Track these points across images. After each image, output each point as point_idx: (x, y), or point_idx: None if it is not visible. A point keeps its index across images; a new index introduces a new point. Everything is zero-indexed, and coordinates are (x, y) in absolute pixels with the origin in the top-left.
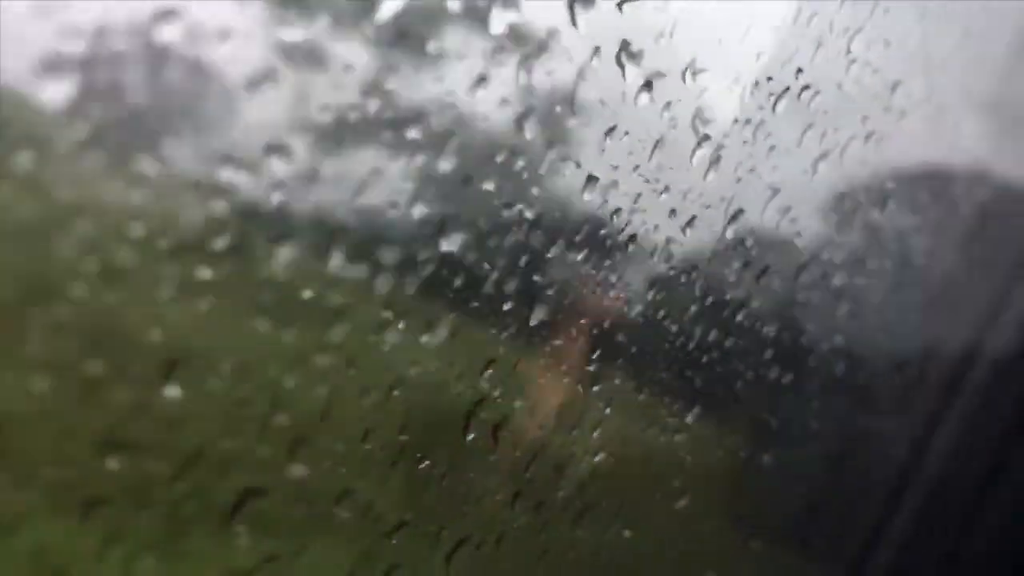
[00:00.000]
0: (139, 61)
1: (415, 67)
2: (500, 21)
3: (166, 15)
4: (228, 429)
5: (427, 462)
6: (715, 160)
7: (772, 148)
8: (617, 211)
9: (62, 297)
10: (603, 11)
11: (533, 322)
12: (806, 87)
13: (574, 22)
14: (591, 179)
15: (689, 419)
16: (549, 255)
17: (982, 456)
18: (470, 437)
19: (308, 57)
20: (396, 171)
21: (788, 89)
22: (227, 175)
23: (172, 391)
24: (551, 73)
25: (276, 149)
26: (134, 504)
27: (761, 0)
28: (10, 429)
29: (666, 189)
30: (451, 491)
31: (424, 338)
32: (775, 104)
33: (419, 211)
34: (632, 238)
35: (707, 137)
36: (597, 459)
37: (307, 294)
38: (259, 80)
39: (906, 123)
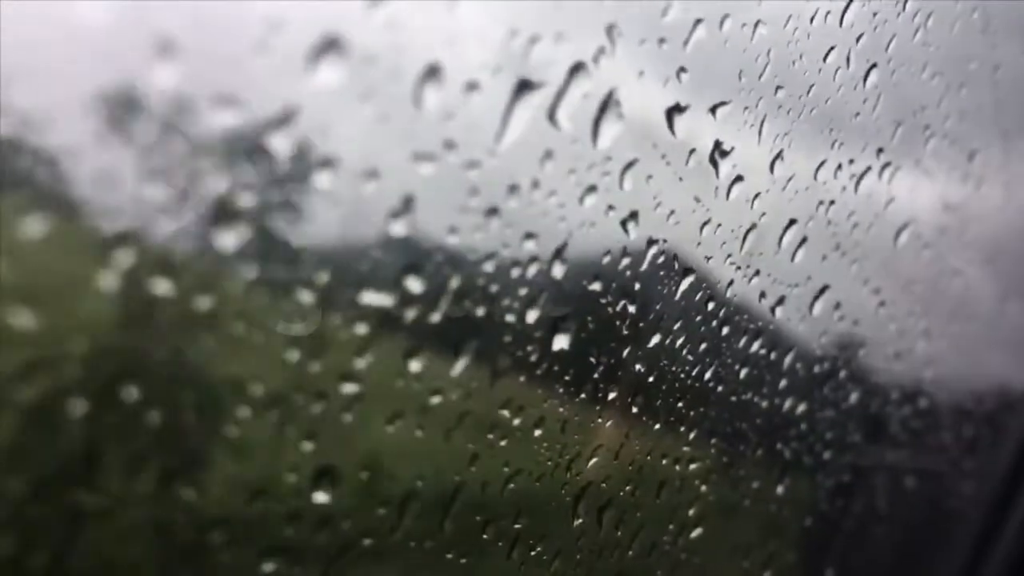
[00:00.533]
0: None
1: (532, 185)
2: (606, 136)
3: (324, 163)
4: (367, 529)
5: (539, 548)
6: (801, 242)
7: (855, 226)
8: (711, 299)
9: (232, 420)
10: (697, 116)
11: (635, 409)
12: (886, 165)
13: (672, 130)
14: (688, 271)
15: (779, 489)
16: (650, 345)
17: None
18: (578, 522)
19: (437, 184)
20: (514, 280)
21: (870, 168)
22: (368, 298)
23: (321, 496)
24: (651, 177)
25: (411, 270)
26: None
27: (840, 89)
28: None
29: (756, 274)
30: (561, 574)
31: (537, 432)
32: (857, 185)
33: (532, 315)
34: (725, 322)
35: (794, 221)
36: (693, 535)
37: (435, 400)
38: (399, 211)
39: (984, 189)
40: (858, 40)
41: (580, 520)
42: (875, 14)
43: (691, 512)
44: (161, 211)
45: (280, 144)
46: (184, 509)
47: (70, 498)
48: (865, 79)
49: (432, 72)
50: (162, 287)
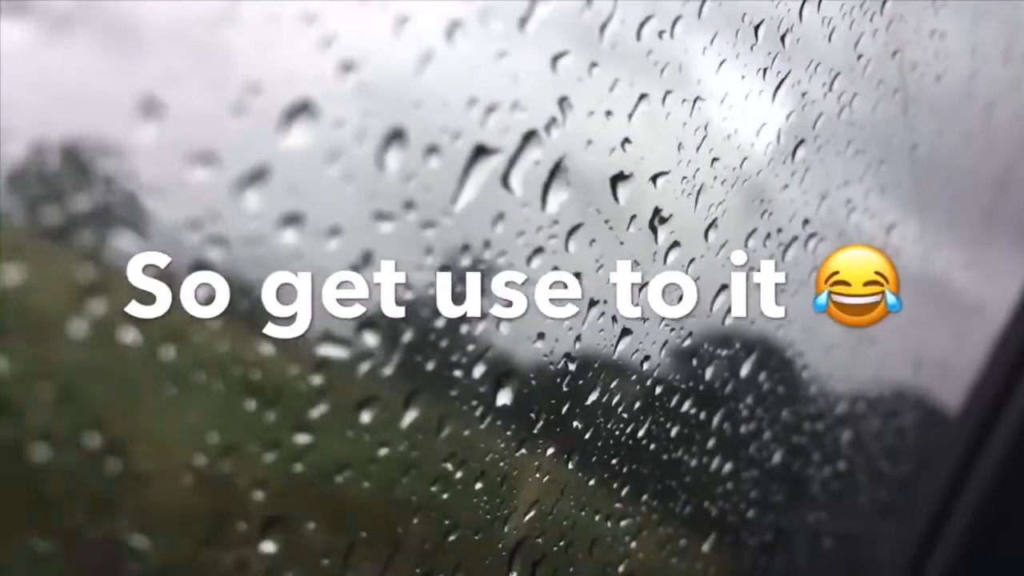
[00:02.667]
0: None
1: (483, 245)
2: (553, 202)
3: (290, 219)
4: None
5: None
6: (731, 307)
7: (782, 292)
8: (647, 358)
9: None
10: (639, 185)
11: (571, 465)
12: (812, 235)
13: (616, 197)
14: (625, 332)
15: (705, 547)
16: (587, 402)
17: None
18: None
19: (394, 242)
20: (463, 336)
21: (796, 238)
22: (325, 350)
23: (267, 547)
24: (594, 241)
25: (368, 324)
26: None
27: (772, 163)
28: None
29: (689, 335)
30: None
31: (478, 486)
32: (784, 253)
33: (479, 371)
34: (659, 382)
35: (725, 287)
36: None
37: (382, 452)
38: (359, 267)
39: (901, 260)
40: (788, 117)
41: (515, 574)
42: (804, 94)
43: (621, 569)
44: (132, 258)
45: (251, 201)
46: (135, 558)
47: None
48: (794, 154)
49: (396, 135)
50: (130, 336)
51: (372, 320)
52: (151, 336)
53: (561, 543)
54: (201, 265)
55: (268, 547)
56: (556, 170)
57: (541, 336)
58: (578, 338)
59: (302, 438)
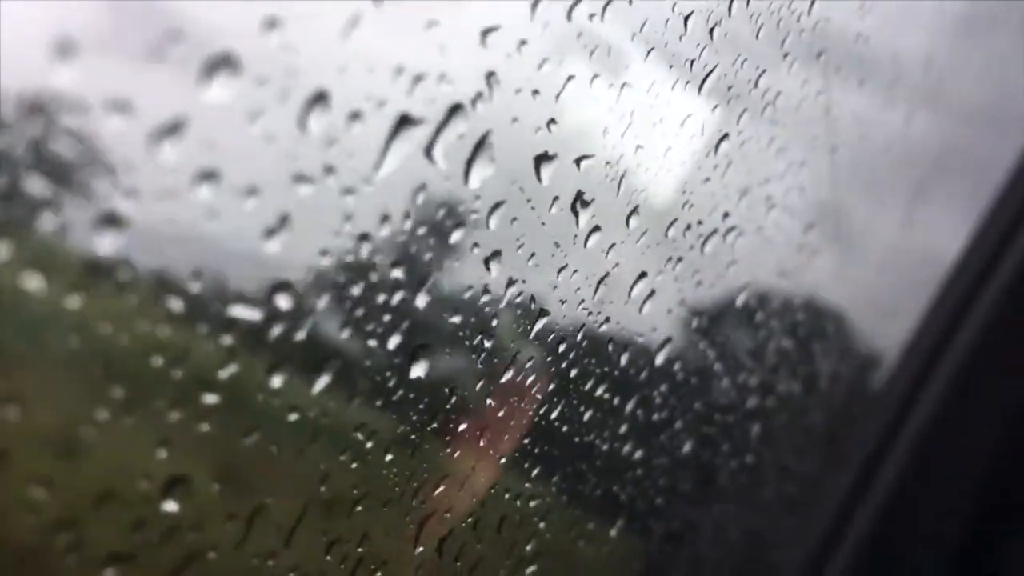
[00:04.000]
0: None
1: (403, 216)
2: (476, 176)
3: (206, 176)
4: (212, 542)
5: (379, 574)
6: (649, 295)
7: (699, 284)
8: (562, 340)
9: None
10: (563, 166)
11: (483, 442)
12: (731, 229)
13: (539, 176)
14: (543, 312)
15: (613, 532)
16: (502, 380)
17: None
18: (419, 550)
19: (313, 207)
20: (379, 305)
21: (716, 231)
22: (237, 311)
23: (169, 506)
24: (516, 220)
25: (281, 287)
26: None
27: (695, 154)
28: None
29: (606, 320)
30: None
31: (388, 456)
32: (704, 244)
33: (394, 341)
34: (573, 364)
35: (644, 274)
36: (529, 571)
37: (293, 416)
38: (275, 229)
39: (817, 260)
40: (713, 110)
41: (421, 549)
42: (729, 88)
43: (528, 548)
44: (44, 207)
45: (167, 153)
46: (31, 510)
47: None
48: (717, 147)
49: (319, 98)
50: (33, 282)
51: (286, 283)
52: (57, 285)
53: (469, 519)
54: (112, 217)
55: (170, 506)
56: (480, 145)
57: (457, 311)
58: (495, 316)
59: (210, 398)
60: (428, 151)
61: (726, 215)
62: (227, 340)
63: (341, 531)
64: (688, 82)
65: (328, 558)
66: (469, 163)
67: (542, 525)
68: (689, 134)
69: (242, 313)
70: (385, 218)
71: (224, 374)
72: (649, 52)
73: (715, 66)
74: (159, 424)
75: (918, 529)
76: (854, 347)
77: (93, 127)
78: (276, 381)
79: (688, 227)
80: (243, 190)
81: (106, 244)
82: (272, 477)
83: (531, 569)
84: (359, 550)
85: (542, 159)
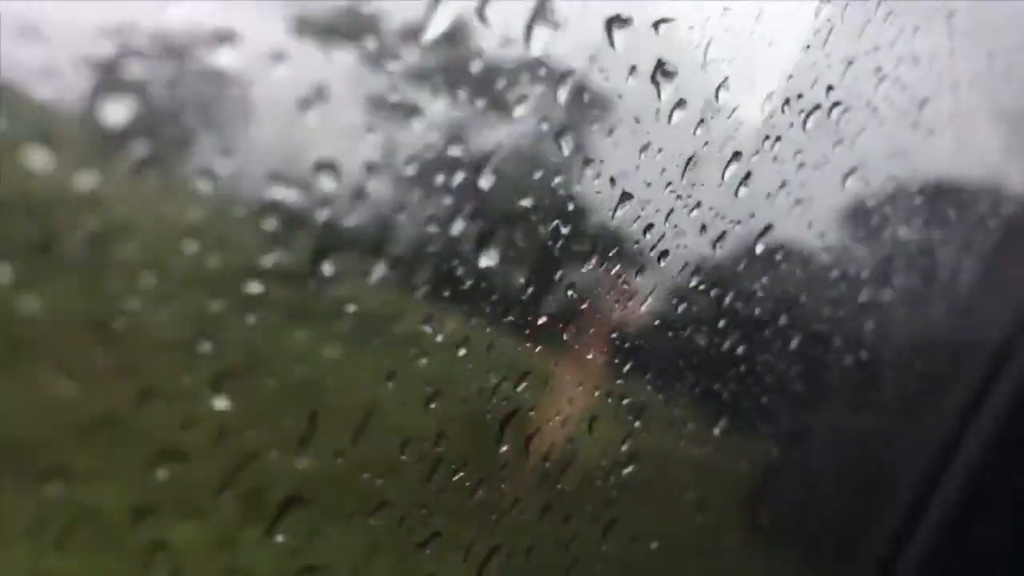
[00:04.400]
0: (195, 83)
1: (455, 85)
2: (539, 41)
3: (223, 39)
4: (272, 441)
5: (461, 474)
6: (745, 177)
7: (802, 165)
8: (650, 227)
9: (119, 311)
10: (639, 32)
11: (566, 336)
12: (836, 104)
13: (612, 43)
14: (625, 196)
15: (716, 431)
16: (583, 270)
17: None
18: (503, 449)
19: (354, 78)
20: (437, 188)
21: (819, 106)
22: (279, 193)
23: (220, 403)
24: (588, 92)
25: (325, 167)
26: (181, 514)
27: (791, 19)
28: (65, 440)
29: (697, 205)
30: (484, 502)
31: (461, 351)
32: (805, 121)
33: (458, 227)
34: (664, 254)
35: (738, 154)
36: (626, 472)
37: (350, 308)
38: (311, 101)
39: (934, 140)
40: None
41: (506, 448)
42: None
43: (624, 448)
44: (41, 72)
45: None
46: (64, 406)
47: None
48: (818, 11)
49: None
50: (38, 159)
51: (329, 162)
52: (65, 163)
53: (557, 418)
54: (119, 83)
55: (221, 403)
56: (540, 5)
57: (527, 193)
58: (571, 198)
59: (253, 287)
60: (480, 11)
61: (830, 88)
62: (269, 224)
63: (415, 429)
64: None
65: (403, 457)
66: (529, 26)
67: (637, 424)
68: None
69: (283, 195)
70: (436, 90)
71: (267, 261)
72: None
73: None
74: (199, 315)
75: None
76: (976, 235)
77: None
78: (326, 268)
79: (787, 102)
80: (270, 55)
81: (117, 115)
82: (331, 373)
83: (628, 470)
84: (437, 449)
85: (614, 22)
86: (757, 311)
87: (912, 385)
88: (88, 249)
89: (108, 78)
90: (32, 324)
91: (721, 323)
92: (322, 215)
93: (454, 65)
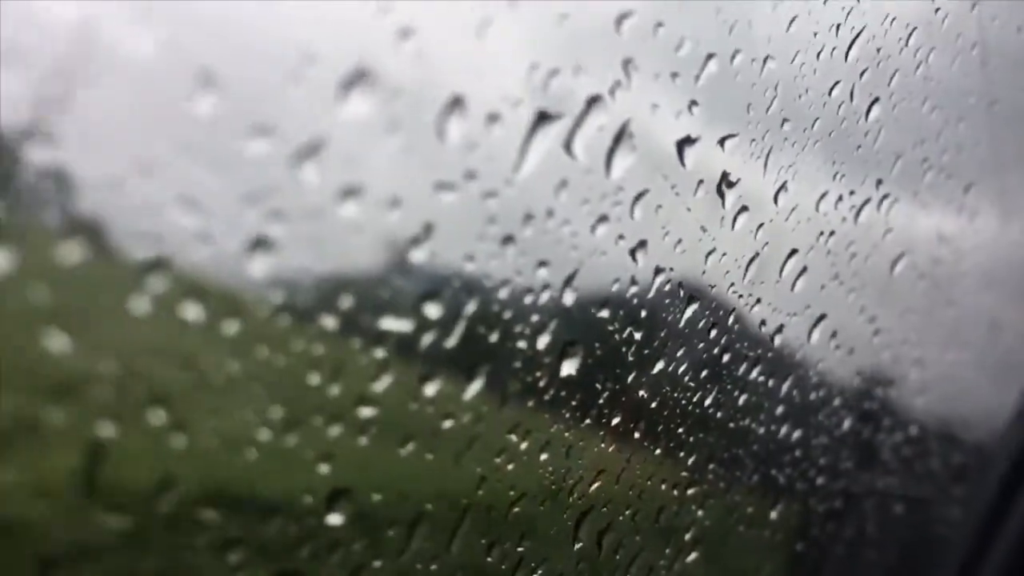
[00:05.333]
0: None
1: (547, 214)
2: (620, 166)
3: (350, 192)
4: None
5: (539, 571)
6: (802, 272)
7: (853, 256)
8: (713, 326)
9: (252, 442)
10: (706, 148)
11: (637, 434)
12: (885, 196)
13: (682, 160)
14: (692, 299)
15: (774, 515)
16: (653, 371)
17: None
18: (578, 546)
19: (456, 213)
20: (527, 306)
21: (869, 200)
22: (387, 323)
23: (334, 518)
24: (660, 207)
25: (430, 296)
26: None
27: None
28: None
29: (757, 302)
30: None
31: (543, 456)
32: (857, 215)
33: (543, 341)
34: (727, 349)
35: (795, 251)
36: (690, 559)
37: (446, 424)
38: (420, 239)
39: (978, 221)
40: (862, 75)
41: (581, 544)
42: (879, 49)
43: (687, 536)
44: (195, 238)
45: (309, 173)
46: (204, 528)
47: (96, 517)
48: (868, 113)
49: (456, 103)
50: (192, 312)
51: (434, 292)
52: (213, 312)
53: (627, 512)
54: (261, 241)
55: (335, 519)
56: (621, 135)
57: (605, 305)
58: (643, 306)
59: (366, 411)
60: (568, 146)
61: (879, 182)
62: (380, 353)
63: (500, 532)
64: (835, 48)
65: (489, 559)
66: (610, 154)
67: (700, 513)
68: (838, 102)
69: (393, 325)
70: (528, 218)
71: (379, 387)
72: (792, 21)
73: (862, 28)
74: (319, 440)
75: None
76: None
77: (238, 154)
78: (429, 390)
79: (840, 198)
80: (386, 202)
81: (257, 268)
82: (430, 484)
83: (692, 556)
84: (519, 549)
85: (685, 143)
86: (812, 396)
87: (958, 457)
88: (227, 387)
89: (253, 239)
90: (179, 456)
91: (778, 410)
92: (426, 340)
93: (541, 195)
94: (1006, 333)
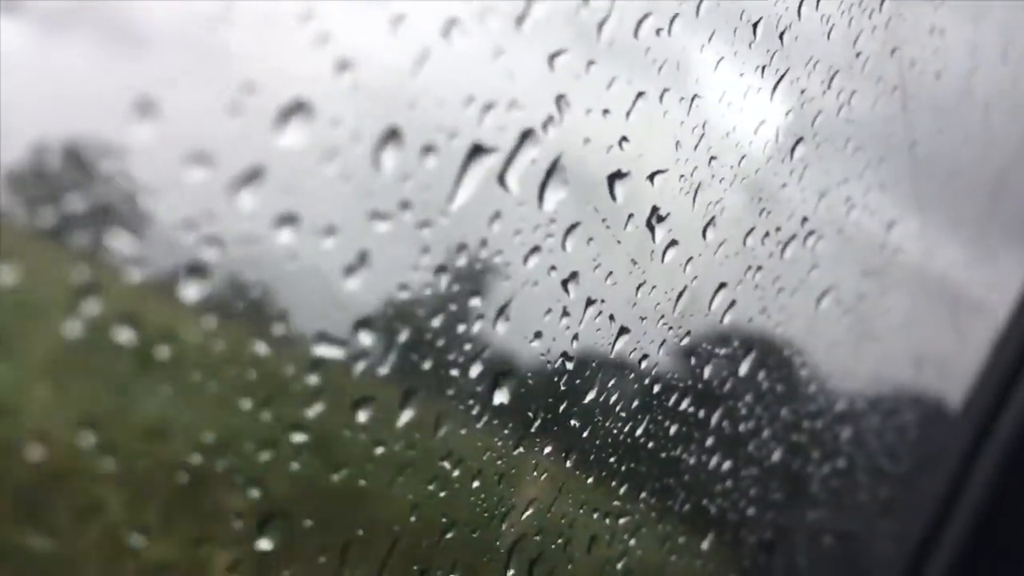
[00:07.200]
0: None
1: (480, 244)
2: (552, 199)
3: (286, 219)
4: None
5: None
6: (730, 306)
7: (780, 290)
8: (645, 357)
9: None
10: (637, 183)
11: (569, 464)
12: (810, 233)
13: (613, 195)
14: (623, 330)
15: (704, 545)
16: (585, 401)
17: None
18: (510, 574)
19: (391, 242)
20: (459, 335)
21: (795, 236)
22: (321, 350)
23: (264, 544)
24: (592, 240)
25: (363, 324)
26: None
27: (770, 161)
28: None
29: (687, 334)
30: None
31: (475, 484)
32: (783, 250)
33: (476, 370)
34: (657, 380)
35: (723, 285)
36: None
37: (379, 451)
38: (354, 267)
39: (901, 257)
40: (786, 115)
41: (512, 572)
42: (802, 91)
43: (620, 566)
44: (129, 262)
45: (246, 200)
46: (131, 556)
47: (20, 540)
48: (792, 152)
49: (392, 135)
50: (125, 336)
51: (368, 319)
52: (146, 336)
53: (559, 541)
54: (197, 266)
55: (265, 544)
56: (553, 168)
57: (538, 335)
58: (575, 337)
59: (298, 437)
60: (501, 178)
61: (805, 219)
62: (313, 379)
63: (432, 559)
64: (760, 89)
65: None
66: (543, 187)
67: (632, 542)
68: (763, 141)
69: (326, 352)
70: (462, 248)
71: (311, 413)
72: (719, 62)
73: (786, 70)
74: (250, 465)
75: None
76: (945, 344)
77: (175, 180)
78: (361, 416)
79: (767, 234)
80: (322, 230)
81: (191, 292)
82: (362, 510)
83: None
84: None
85: (615, 177)
86: (742, 428)
87: (885, 490)
88: (163, 409)
89: (187, 264)
90: (108, 480)
91: (709, 441)
92: (359, 367)
93: (474, 226)
94: (929, 367)
